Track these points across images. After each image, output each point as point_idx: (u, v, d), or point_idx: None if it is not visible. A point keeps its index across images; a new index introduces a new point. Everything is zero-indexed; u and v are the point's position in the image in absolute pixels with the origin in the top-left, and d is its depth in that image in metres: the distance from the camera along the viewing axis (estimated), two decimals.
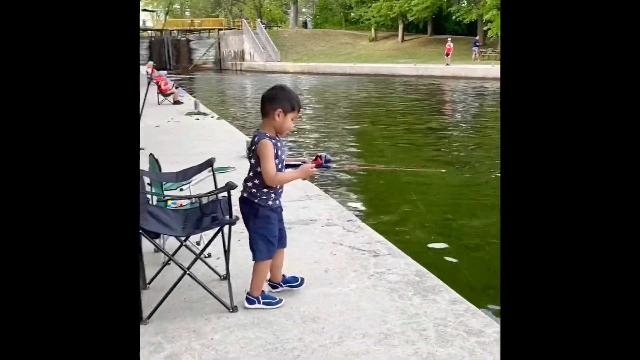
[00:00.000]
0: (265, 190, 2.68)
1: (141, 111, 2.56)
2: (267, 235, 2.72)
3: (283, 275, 2.97)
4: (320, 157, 2.76)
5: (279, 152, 2.67)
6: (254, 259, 2.76)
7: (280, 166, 2.67)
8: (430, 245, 4.90)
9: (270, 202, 2.71)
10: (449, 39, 32.65)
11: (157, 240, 2.89)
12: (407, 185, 6.84)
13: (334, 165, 2.84)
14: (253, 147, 2.67)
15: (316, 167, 2.76)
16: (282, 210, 2.83)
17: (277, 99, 2.67)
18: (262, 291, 2.82)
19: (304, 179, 2.76)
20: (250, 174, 2.71)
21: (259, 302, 2.79)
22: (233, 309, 2.74)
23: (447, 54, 30.55)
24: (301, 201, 4.75)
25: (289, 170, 2.75)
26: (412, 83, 26.24)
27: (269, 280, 2.94)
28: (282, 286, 2.95)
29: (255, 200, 2.68)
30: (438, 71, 29.06)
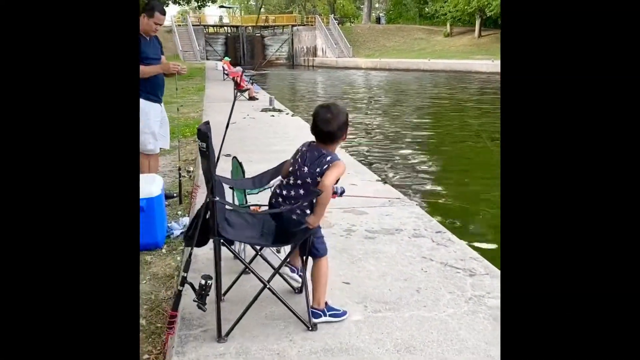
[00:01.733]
0: (308, 211, 2.56)
1: (230, 112, 2.37)
2: (322, 236, 2.68)
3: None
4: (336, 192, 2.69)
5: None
6: (319, 256, 2.62)
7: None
8: None
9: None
10: None
11: (234, 246, 2.69)
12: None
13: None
14: (327, 162, 2.51)
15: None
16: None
17: (346, 117, 2.59)
18: (326, 302, 2.64)
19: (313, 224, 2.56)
20: (299, 182, 2.57)
21: (324, 315, 2.60)
22: (312, 327, 2.50)
23: None
24: (384, 207, 4.44)
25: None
26: (491, 80, 25.15)
27: (288, 263, 2.79)
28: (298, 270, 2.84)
29: (301, 214, 2.56)
30: None
